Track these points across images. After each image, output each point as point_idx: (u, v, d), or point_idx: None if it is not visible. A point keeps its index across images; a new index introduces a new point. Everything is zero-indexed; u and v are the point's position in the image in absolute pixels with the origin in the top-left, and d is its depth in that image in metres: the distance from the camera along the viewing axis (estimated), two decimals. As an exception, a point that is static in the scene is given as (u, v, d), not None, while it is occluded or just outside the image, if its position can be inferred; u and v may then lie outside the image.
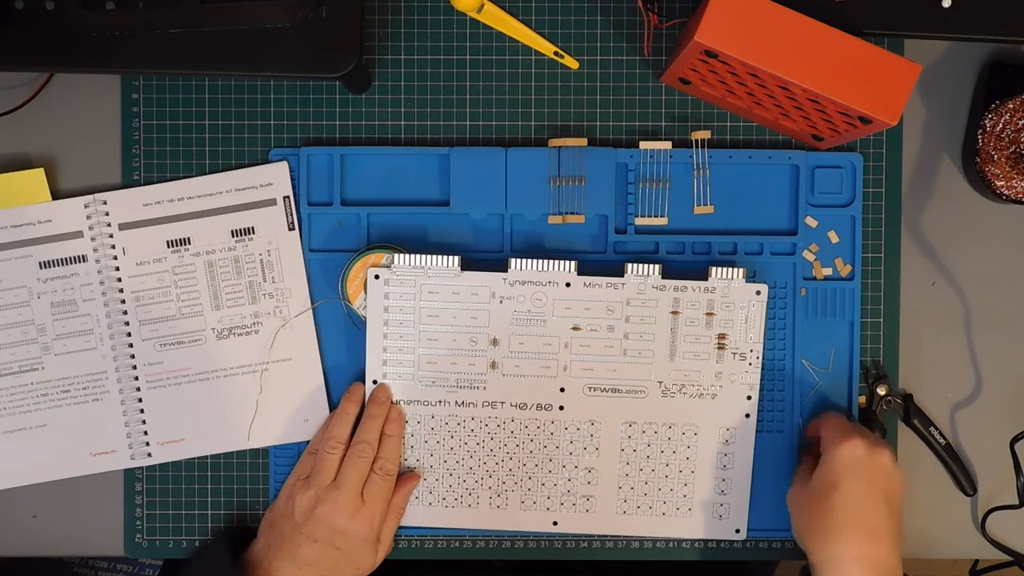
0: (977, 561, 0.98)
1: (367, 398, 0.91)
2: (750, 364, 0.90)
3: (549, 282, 0.89)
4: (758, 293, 0.90)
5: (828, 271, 0.93)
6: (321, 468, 0.88)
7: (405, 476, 0.91)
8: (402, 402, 0.91)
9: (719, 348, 0.90)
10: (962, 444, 0.95)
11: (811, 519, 0.84)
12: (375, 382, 0.91)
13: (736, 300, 0.90)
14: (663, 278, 0.89)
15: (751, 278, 0.92)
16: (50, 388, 0.92)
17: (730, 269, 0.89)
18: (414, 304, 0.90)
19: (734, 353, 0.90)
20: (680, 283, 0.90)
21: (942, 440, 0.93)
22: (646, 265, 0.89)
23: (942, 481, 0.95)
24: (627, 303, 0.90)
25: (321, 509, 0.86)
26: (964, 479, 0.94)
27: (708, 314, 0.90)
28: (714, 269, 0.89)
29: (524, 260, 0.89)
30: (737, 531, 0.92)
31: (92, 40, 0.82)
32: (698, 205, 0.93)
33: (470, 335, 0.90)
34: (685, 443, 0.91)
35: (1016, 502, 0.92)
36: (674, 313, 0.90)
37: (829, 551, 0.83)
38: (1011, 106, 0.90)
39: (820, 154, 0.93)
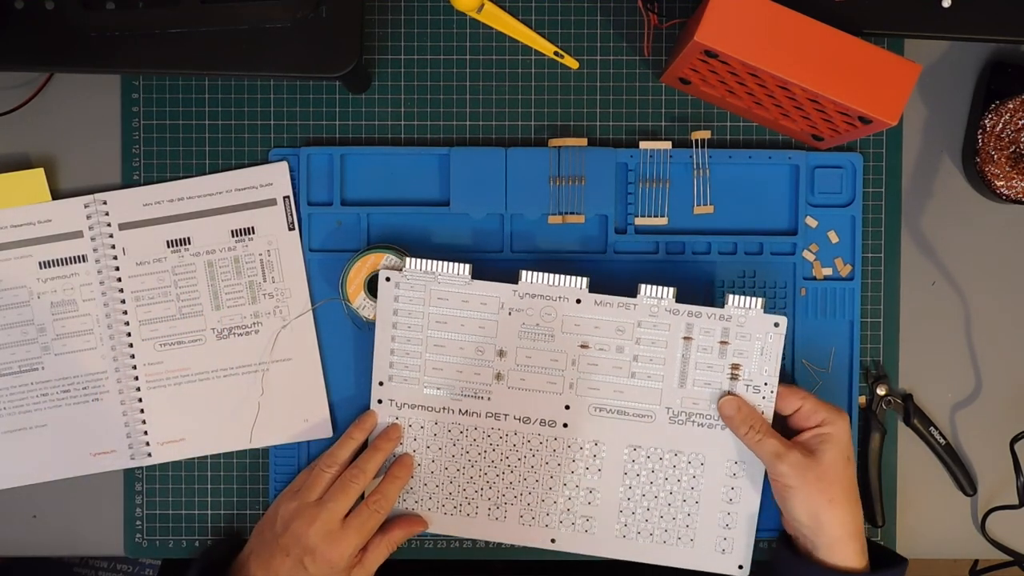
0: (977, 561, 0.98)
1: (377, 431, 0.90)
2: (764, 398, 0.88)
3: (559, 297, 0.88)
4: (776, 325, 0.87)
5: (828, 271, 0.93)
6: (311, 483, 0.88)
7: (413, 518, 0.91)
8: (407, 406, 0.91)
9: (732, 379, 0.88)
10: (962, 444, 0.95)
11: (836, 493, 0.84)
12: (381, 384, 0.90)
13: (753, 331, 0.87)
14: (677, 302, 0.87)
15: (750, 277, 0.92)
16: (50, 388, 0.92)
17: (748, 298, 0.87)
18: (423, 309, 0.89)
19: (747, 385, 0.88)
20: (694, 308, 0.87)
21: (942, 440, 0.93)
22: (660, 287, 0.87)
23: (942, 481, 0.95)
24: (638, 324, 0.88)
25: (298, 523, 0.85)
26: (964, 479, 0.94)
27: (722, 343, 0.87)
28: (731, 297, 0.87)
29: (535, 273, 0.88)
30: (740, 567, 0.90)
31: (92, 40, 0.82)
32: (698, 205, 0.93)
33: (477, 344, 0.90)
34: (691, 472, 0.90)
35: (1016, 502, 0.92)
36: (687, 339, 0.88)
37: (854, 523, 0.85)
38: (1011, 106, 0.90)
39: (820, 154, 0.93)
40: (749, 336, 0.87)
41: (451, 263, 0.88)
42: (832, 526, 0.84)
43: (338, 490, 0.87)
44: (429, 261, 0.88)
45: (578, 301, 0.88)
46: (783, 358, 0.92)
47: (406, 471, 0.90)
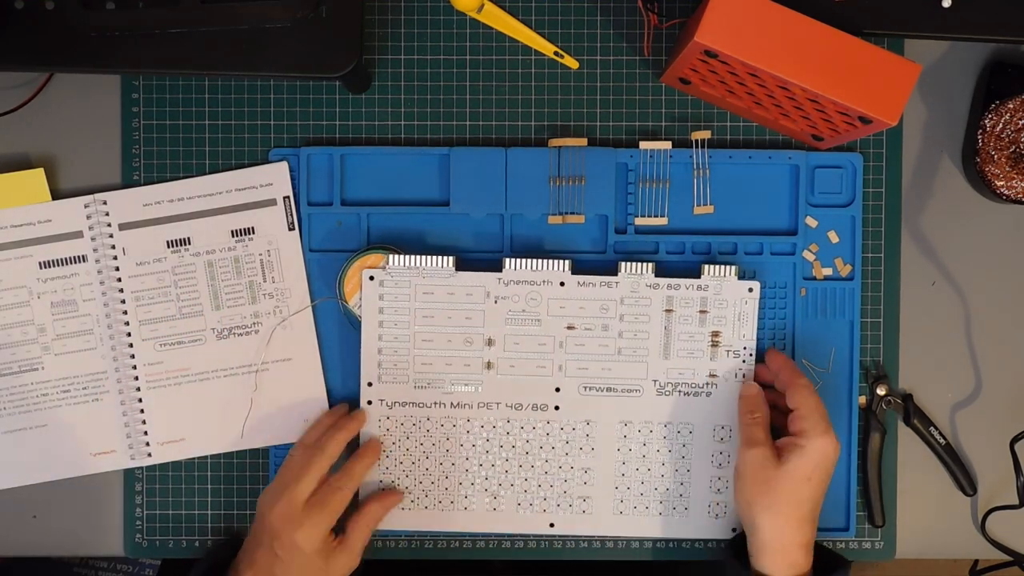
0: (977, 561, 0.98)
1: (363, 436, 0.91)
2: (743, 362, 0.91)
3: (543, 281, 0.90)
4: (750, 290, 0.90)
5: (828, 271, 0.93)
6: (280, 469, 0.87)
7: (388, 492, 0.91)
8: (397, 404, 0.91)
9: (713, 346, 0.91)
10: (962, 444, 0.95)
11: (777, 501, 0.84)
12: (370, 384, 0.91)
13: (729, 297, 0.90)
14: (656, 276, 0.90)
15: (749, 277, 0.92)
16: (50, 388, 0.92)
17: (722, 267, 0.90)
18: (409, 305, 0.90)
19: (728, 351, 0.91)
20: (673, 281, 0.90)
21: (942, 440, 0.93)
22: (639, 264, 0.90)
23: (942, 481, 0.95)
24: (621, 302, 0.90)
25: (264, 509, 0.85)
26: (964, 479, 0.94)
27: (701, 312, 0.90)
28: (706, 267, 0.90)
29: (518, 260, 0.89)
30: (734, 530, 0.92)
31: (92, 40, 0.82)
32: (698, 205, 0.93)
33: (465, 335, 0.90)
34: (680, 441, 0.91)
35: (1016, 502, 0.92)
36: (668, 311, 0.90)
37: (788, 538, 0.84)
38: (1011, 106, 0.90)
39: (820, 154, 0.93)
40: (725, 303, 0.90)
41: (434, 256, 0.89)
42: (763, 531, 0.84)
43: (299, 472, 0.86)
44: (412, 256, 0.89)
45: (562, 284, 0.90)
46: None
47: (373, 451, 0.90)
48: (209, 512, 0.94)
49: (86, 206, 0.92)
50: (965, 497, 0.95)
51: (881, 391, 0.93)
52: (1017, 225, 0.94)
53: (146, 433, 0.92)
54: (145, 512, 0.94)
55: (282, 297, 0.92)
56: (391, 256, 0.89)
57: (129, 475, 0.94)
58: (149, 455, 0.93)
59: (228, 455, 0.94)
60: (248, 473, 0.94)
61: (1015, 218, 0.94)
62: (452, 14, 0.93)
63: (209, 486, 0.94)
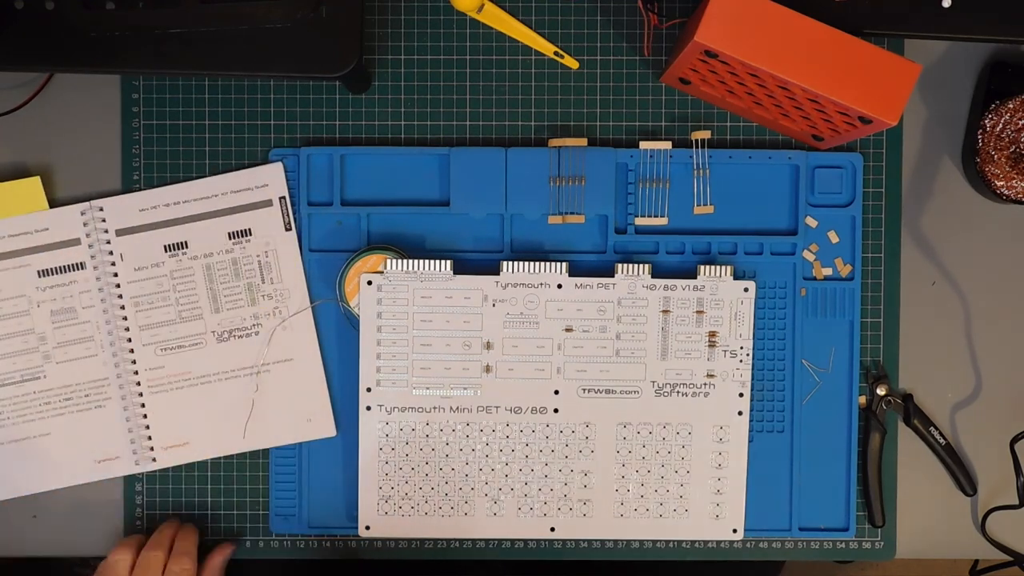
0: (977, 561, 0.98)
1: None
2: (740, 361, 0.91)
3: (541, 284, 0.90)
4: (746, 290, 0.90)
5: (828, 271, 0.93)
6: None
7: (220, 545, 0.92)
8: (396, 409, 0.91)
9: (710, 346, 0.91)
10: (962, 444, 0.95)
11: None
12: (368, 389, 0.90)
13: (725, 297, 0.90)
14: (653, 277, 0.90)
15: (749, 277, 0.92)
16: (52, 396, 0.92)
17: (718, 267, 0.90)
18: (407, 310, 0.90)
19: (725, 350, 0.91)
20: (670, 282, 0.90)
21: (942, 440, 0.94)
22: (636, 265, 0.90)
23: (942, 481, 0.95)
24: (618, 303, 0.90)
25: None
26: (964, 479, 0.94)
27: (698, 312, 0.90)
28: (702, 267, 0.90)
29: (516, 263, 0.89)
30: (734, 531, 0.92)
31: (92, 40, 0.82)
32: (698, 205, 0.93)
33: (463, 339, 0.90)
34: (679, 443, 0.92)
35: (1016, 502, 0.92)
36: (665, 312, 0.90)
37: None
38: (1011, 106, 0.90)
39: (820, 154, 0.93)
40: (722, 303, 0.90)
41: (432, 260, 0.89)
42: None
43: (141, 572, 0.87)
44: (410, 261, 0.89)
45: (559, 286, 0.90)
46: (784, 358, 0.93)
47: (193, 532, 0.91)
48: (209, 512, 0.94)
49: (83, 213, 0.91)
50: (965, 497, 0.95)
51: (881, 391, 0.93)
52: (1017, 225, 0.95)
53: (150, 439, 0.92)
54: (145, 512, 0.94)
55: (281, 298, 0.92)
56: (389, 261, 0.89)
57: (130, 475, 0.94)
58: (153, 460, 0.92)
59: (229, 456, 0.94)
60: (248, 473, 0.94)
61: (1015, 218, 0.94)
62: (452, 14, 0.93)
63: (209, 486, 0.94)
